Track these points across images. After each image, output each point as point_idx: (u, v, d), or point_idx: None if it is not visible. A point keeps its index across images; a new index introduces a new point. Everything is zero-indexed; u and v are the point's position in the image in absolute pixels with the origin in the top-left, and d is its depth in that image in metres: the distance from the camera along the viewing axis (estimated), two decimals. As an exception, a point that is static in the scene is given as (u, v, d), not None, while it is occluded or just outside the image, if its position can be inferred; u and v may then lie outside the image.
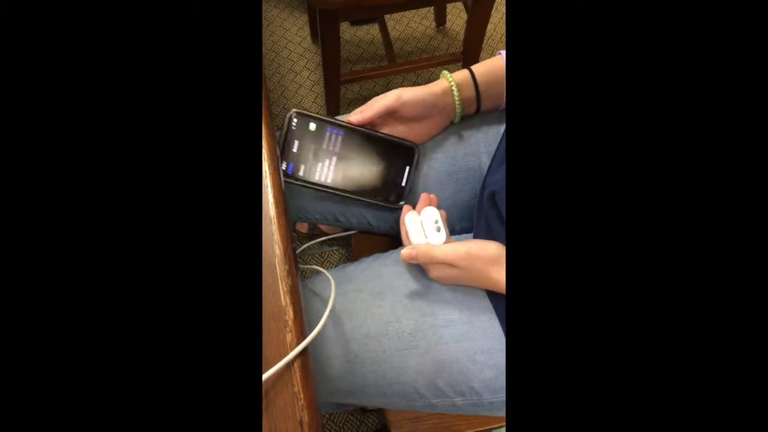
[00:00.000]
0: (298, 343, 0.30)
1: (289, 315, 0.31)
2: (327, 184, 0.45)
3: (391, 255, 0.49)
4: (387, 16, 1.27)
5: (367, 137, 0.45)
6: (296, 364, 0.30)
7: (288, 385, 0.29)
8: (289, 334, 0.31)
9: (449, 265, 0.41)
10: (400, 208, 0.45)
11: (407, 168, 0.46)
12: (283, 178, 0.39)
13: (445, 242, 0.43)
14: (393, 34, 1.29)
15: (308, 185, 0.45)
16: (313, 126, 0.44)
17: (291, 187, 0.52)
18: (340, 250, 1.01)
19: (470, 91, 0.48)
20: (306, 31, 1.27)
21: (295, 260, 0.34)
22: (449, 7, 1.32)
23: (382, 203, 0.46)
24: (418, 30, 1.32)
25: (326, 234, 0.92)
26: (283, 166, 0.44)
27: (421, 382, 0.43)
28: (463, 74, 0.47)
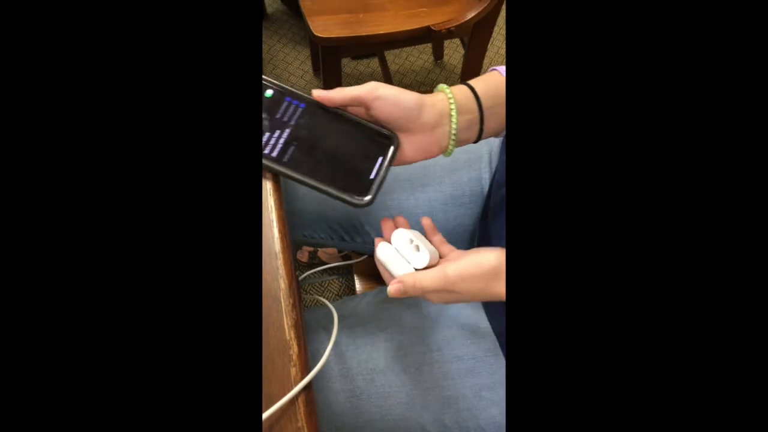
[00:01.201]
0: (302, 378, 0.31)
1: (294, 349, 0.32)
2: (271, 157, 0.36)
3: None
4: (386, 51, 1.30)
5: (335, 116, 0.38)
6: (300, 399, 0.30)
7: (292, 421, 0.29)
8: (294, 369, 0.31)
9: (444, 291, 0.35)
10: (365, 205, 0.36)
11: (379, 159, 0.37)
12: None
13: (431, 260, 0.37)
14: (392, 67, 1.33)
15: None
16: (269, 92, 0.38)
17: (294, 205, 0.50)
18: (340, 279, 1.01)
19: (470, 112, 0.38)
20: (308, 65, 1.31)
21: (299, 293, 0.35)
22: (447, 42, 1.36)
23: (340, 194, 0.36)
24: (416, 63, 1.36)
25: (325, 263, 0.92)
26: None
27: (427, 418, 0.43)
28: (461, 90, 0.38)
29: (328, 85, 0.96)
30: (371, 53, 1.30)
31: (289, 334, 0.32)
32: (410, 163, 0.39)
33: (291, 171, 0.36)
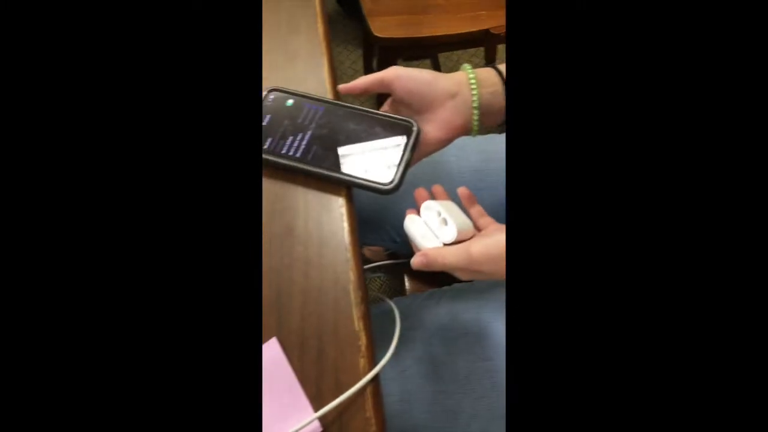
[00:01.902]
0: (370, 369, 0.31)
1: (362, 341, 0.32)
2: (296, 158, 0.39)
3: (446, 293, 0.50)
4: (439, 54, 1.30)
5: (353, 113, 0.41)
6: (368, 390, 0.31)
7: (360, 410, 0.30)
8: (362, 360, 0.32)
9: (470, 270, 0.34)
10: (392, 190, 0.37)
11: (401, 144, 0.39)
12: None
13: (459, 235, 0.35)
14: (443, 69, 1.32)
15: (273, 159, 0.39)
16: (290, 102, 0.42)
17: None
18: (381, 278, 1.01)
19: (493, 85, 0.37)
20: (359, 65, 1.32)
21: (366, 288, 0.35)
22: (499, 46, 1.35)
23: (364, 182, 0.38)
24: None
25: (370, 260, 0.93)
26: None
27: (475, 428, 0.42)
28: (485, 70, 0.39)
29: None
30: (424, 55, 1.31)
31: (358, 325, 0.33)
32: (438, 146, 0.40)
33: (316, 168, 0.38)
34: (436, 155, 0.49)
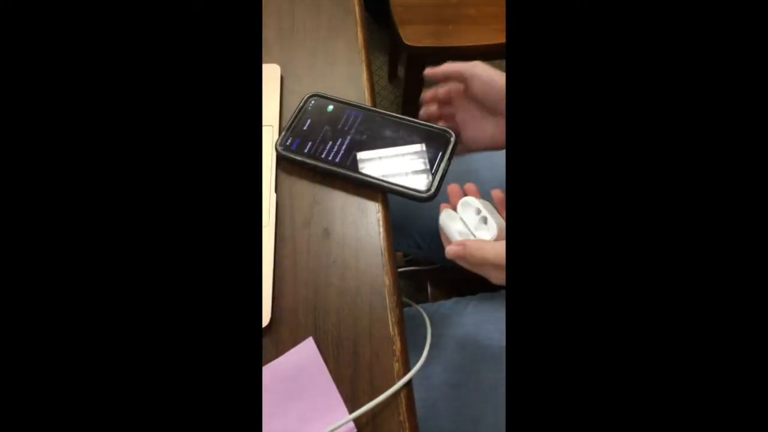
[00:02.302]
0: (404, 374, 0.31)
1: (397, 345, 0.33)
2: (335, 162, 0.40)
3: (471, 301, 0.50)
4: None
5: (393, 121, 0.42)
6: (402, 394, 0.31)
7: (395, 414, 0.30)
8: (397, 364, 0.32)
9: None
10: (428, 198, 0.38)
11: (439, 154, 0.40)
12: (281, 152, 0.39)
13: (499, 236, 0.35)
14: (467, 79, 1.33)
15: (312, 163, 0.39)
16: (330, 107, 0.43)
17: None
18: (401, 282, 1.02)
19: None
20: (384, 71, 1.34)
21: (400, 293, 0.36)
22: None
23: (401, 188, 0.38)
24: (491, 77, 1.35)
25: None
26: (288, 141, 0.40)
27: None
28: None
29: (408, 92, 0.98)
30: (448, 64, 1.31)
31: (393, 329, 0.33)
32: (492, 146, 0.42)
33: (354, 173, 0.39)
34: (465, 164, 0.49)
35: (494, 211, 0.37)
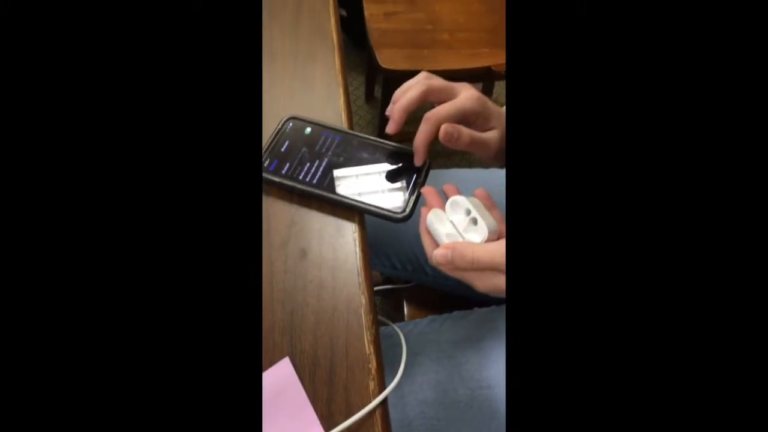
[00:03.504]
0: (379, 393, 0.32)
1: (373, 364, 0.33)
2: (312, 183, 0.40)
3: (447, 320, 0.51)
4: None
5: (368, 143, 0.43)
6: (378, 413, 0.31)
7: (370, 433, 0.31)
8: (372, 383, 0.32)
9: (500, 271, 0.31)
10: (403, 219, 0.38)
11: (414, 176, 0.41)
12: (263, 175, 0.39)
13: (490, 235, 0.33)
14: (442, 100, 1.37)
15: (290, 184, 0.40)
16: (308, 130, 0.43)
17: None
18: (378, 300, 1.02)
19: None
20: (361, 91, 1.36)
21: (376, 312, 0.36)
22: (498, 83, 1.40)
23: (377, 209, 0.39)
24: (466, 99, 1.40)
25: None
26: (266, 163, 0.41)
27: None
28: None
29: (384, 111, 1.00)
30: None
31: (369, 348, 0.34)
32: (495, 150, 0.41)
33: (330, 194, 0.40)
34: (438, 184, 0.50)
35: (485, 211, 0.35)
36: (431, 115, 0.38)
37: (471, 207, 0.34)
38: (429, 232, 0.36)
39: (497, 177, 0.57)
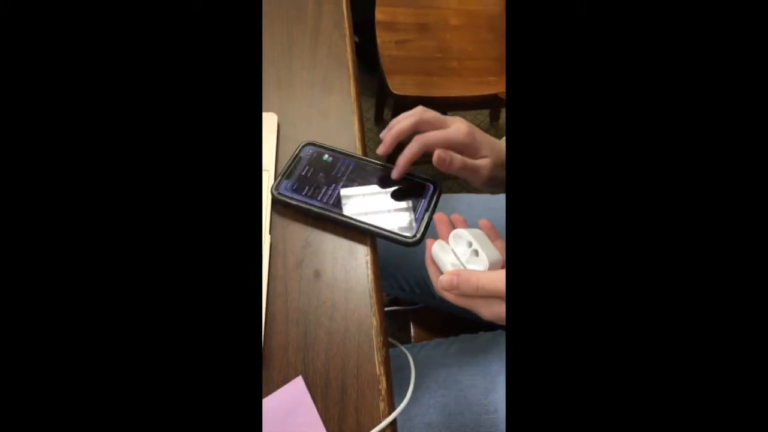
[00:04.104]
0: (389, 413, 0.33)
1: (383, 384, 0.34)
2: (326, 207, 0.42)
3: (453, 343, 0.52)
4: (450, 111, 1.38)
5: (381, 169, 0.45)
6: (387, 433, 0.32)
7: (380, 453, 0.31)
8: (382, 403, 0.33)
9: (503, 299, 0.33)
10: (414, 243, 0.40)
11: (423, 201, 0.43)
12: (276, 195, 0.41)
13: (491, 267, 0.34)
14: (450, 124, 1.39)
15: (305, 206, 0.42)
16: (324, 156, 0.46)
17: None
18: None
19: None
20: (371, 114, 1.39)
21: (387, 333, 0.37)
22: (504, 109, 1.43)
23: (389, 233, 0.41)
24: (473, 123, 1.42)
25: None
26: (283, 186, 0.43)
27: None
28: None
29: (394, 137, 1.02)
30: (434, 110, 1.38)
31: (379, 369, 0.35)
32: (489, 177, 0.44)
33: (344, 217, 0.41)
34: (447, 210, 0.52)
35: (487, 242, 0.37)
36: (419, 138, 0.42)
37: (473, 239, 0.36)
38: (434, 263, 0.38)
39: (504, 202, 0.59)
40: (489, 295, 0.33)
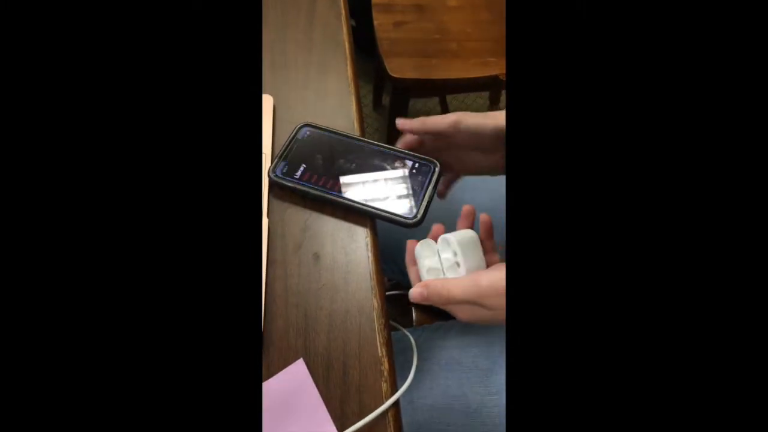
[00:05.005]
0: (392, 394, 0.33)
1: (385, 366, 0.34)
2: (324, 189, 0.41)
3: (453, 326, 0.51)
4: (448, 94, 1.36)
5: (379, 150, 0.44)
6: (390, 414, 0.32)
7: (383, 433, 0.31)
8: (385, 384, 0.33)
9: (475, 304, 0.34)
10: (415, 224, 0.40)
11: (424, 182, 0.42)
12: (273, 178, 0.41)
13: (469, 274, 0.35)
14: (451, 108, 1.38)
15: (303, 189, 0.41)
16: (321, 137, 0.45)
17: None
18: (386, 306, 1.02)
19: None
20: (369, 99, 1.38)
21: (388, 315, 0.37)
22: (503, 91, 1.41)
23: (389, 214, 0.40)
24: (473, 106, 1.41)
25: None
26: (280, 168, 0.42)
27: None
28: None
29: (393, 120, 1.01)
30: (434, 94, 1.36)
31: (381, 351, 0.35)
32: (495, 173, 0.45)
33: (343, 199, 0.41)
34: (452, 194, 0.51)
35: (473, 250, 0.38)
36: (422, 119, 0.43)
37: (458, 250, 0.37)
38: (415, 264, 0.39)
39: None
40: (460, 302, 0.35)
